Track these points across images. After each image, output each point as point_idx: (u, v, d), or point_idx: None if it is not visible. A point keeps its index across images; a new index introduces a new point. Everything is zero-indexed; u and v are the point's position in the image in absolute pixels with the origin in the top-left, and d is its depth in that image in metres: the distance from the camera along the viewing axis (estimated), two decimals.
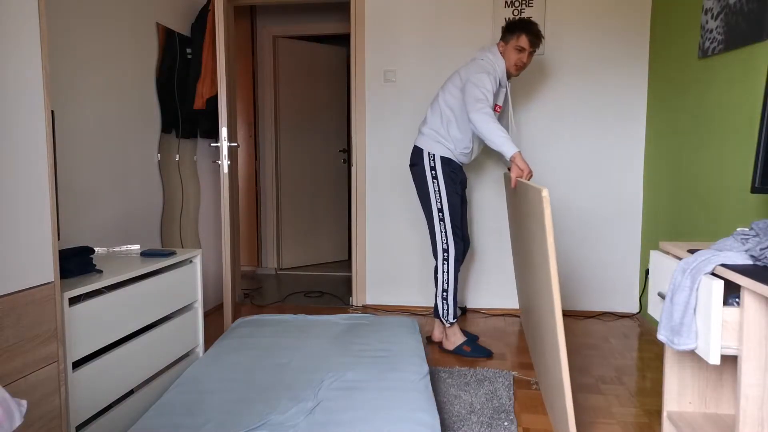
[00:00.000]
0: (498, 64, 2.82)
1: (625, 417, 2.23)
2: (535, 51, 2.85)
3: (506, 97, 2.98)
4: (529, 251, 2.29)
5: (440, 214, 2.86)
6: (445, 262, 2.89)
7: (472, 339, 3.04)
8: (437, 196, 2.86)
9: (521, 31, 2.78)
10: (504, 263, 3.71)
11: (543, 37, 2.85)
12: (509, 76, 2.90)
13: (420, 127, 2.98)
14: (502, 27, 2.89)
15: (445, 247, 2.88)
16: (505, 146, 2.57)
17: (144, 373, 2.18)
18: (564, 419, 1.77)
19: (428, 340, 3.11)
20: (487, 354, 2.89)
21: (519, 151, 2.55)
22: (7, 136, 1.51)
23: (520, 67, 2.85)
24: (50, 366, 1.65)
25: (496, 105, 2.86)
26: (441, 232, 2.87)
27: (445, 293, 2.90)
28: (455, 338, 2.94)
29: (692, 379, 1.79)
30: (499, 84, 2.84)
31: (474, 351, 2.89)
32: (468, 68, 2.81)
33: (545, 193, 1.68)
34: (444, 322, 2.93)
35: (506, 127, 3.09)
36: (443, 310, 2.91)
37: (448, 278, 2.89)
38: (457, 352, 2.92)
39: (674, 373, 1.79)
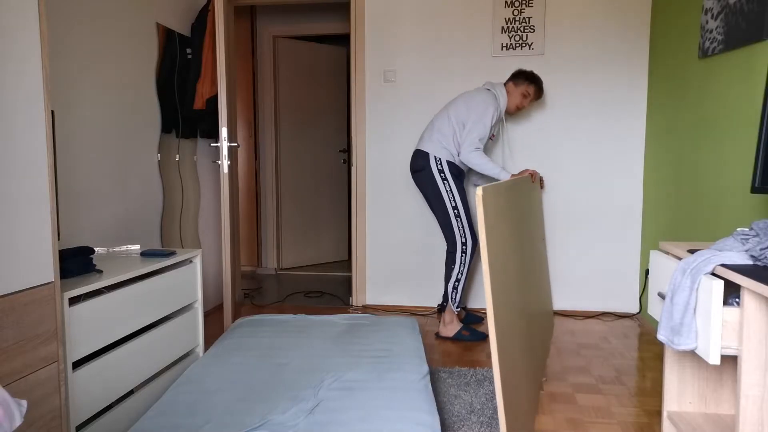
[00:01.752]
0: (502, 100, 3.17)
1: (625, 417, 2.23)
2: (533, 101, 3.28)
3: (501, 128, 3.41)
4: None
5: (456, 211, 3.08)
6: (463, 255, 3.11)
7: (477, 320, 3.45)
8: (450, 195, 3.08)
9: (534, 83, 3.21)
10: None
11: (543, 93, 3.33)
12: (507, 112, 3.28)
13: (425, 133, 3.20)
14: (514, 72, 3.26)
15: (464, 240, 3.10)
16: (501, 175, 3.00)
17: (144, 373, 2.18)
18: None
19: (436, 336, 3.25)
20: (483, 337, 3.14)
21: (510, 174, 3.00)
22: (7, 136, 1.51)
23: (519, 109, 3.26)
24: (50, 366, 1.65)
25: (491, 134, 3.21)
26: (459, 227, 3.10)
27: (457, 282, 3.12)
28: (453, 326, 3.15)
29: (692, 379, 1.79)
30: (500, 116, 3.20)
31: (472, 335, 3.13)
32: (483, 97, 3.12)
33: (479, 191, 1.69)
34: (452, 306, 3.13)
35: (499, 150, 3.44)
36: (452, 297, 3.12)
37: (463, 269, 3.12)
38: (457, 337, 3.14)
39: (674, 373, 1.79)
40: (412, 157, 3.20)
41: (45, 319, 1.63)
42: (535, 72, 3.40)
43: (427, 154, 3.10)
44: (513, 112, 3.28)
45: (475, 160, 3.02)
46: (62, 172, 2.43)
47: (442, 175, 3.08)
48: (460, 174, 3.16)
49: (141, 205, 3.04)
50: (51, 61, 2.37)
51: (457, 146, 3.09)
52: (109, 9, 2.76)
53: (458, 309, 3.14)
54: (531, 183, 3.14)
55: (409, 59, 3.69)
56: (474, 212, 3.50)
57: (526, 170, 3.16)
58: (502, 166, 3.03)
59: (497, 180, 3.05)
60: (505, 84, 3.23)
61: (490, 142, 3.27)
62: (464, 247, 3.10)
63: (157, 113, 3.22)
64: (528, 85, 3.19)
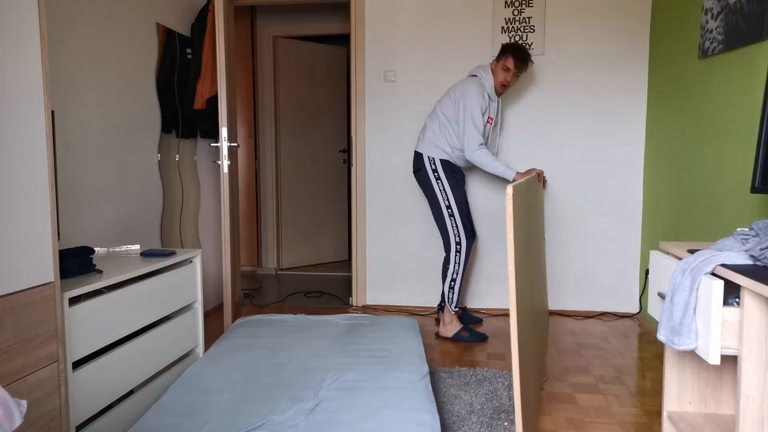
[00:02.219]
0: (487, 81, 3.10)
1: (625, 417, 2.23)
2: (520, 73, 3.12)
3: (498, 110, 3.23)
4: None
5: (449, 210, 3.09)
6: (457, 254, 3.12)
7: (476, 320, 3.46)
8: (444, 194, 3.09)
9: (510, 53, 3.06)
10: (504, 264, 3.71)
11: (532, 63, 3.15)
12: (496, 92, 3.16)
13: (420, 133, 3.23)
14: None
15: (457, 240, 3.11)
16: (506, 173, 2.99)
17: (144, 373, 2.18)
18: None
19: (436, 336, 3.25)
20: (483, 338, 3.14)
21: (517, 172, 2.99)
22: (7, 136, 1.51)
23: (505, 86, 3.13)
24: (50, 366, 1.65)
25: (489, 117, 3.14)
26: (453, 227, 3.10)
27: (453, 282, 3.13)
28: (452, 326, 3.15)
29: (692, 379, 1.79)
30: (490, 98, 3.12)
31: (472, 336, 3.13)
32: (463, 86, 3.09)
33: (509, 190, 1.69)
34: (450, 307, 3.13)
35: (494, 138, 3.36)
36: (449, 297, 3.13)
37: (458, 268, 3.12)
38: (457, 337, 3.13)
39: (674, 373, 1.79)
40: (413, 158, 3.23)
41: (45, 319, 1.63)
42: (529, 56, 3.12)
43: (421, 155, 3.14)
44: (501, 90, 3.15)
45: (479, 158, 3.01)
46: (62, 172, 2.43)
47: (435, 174, 3.10)
48: (457, 172, 3.16)
49: (141, 205, 3.04)
50: (51, 61, 2.37)
51: (452, 142, 3.08)
52: (109, 9, 2.76)
53: (456, 309, 3.15)
54: (537, 182, 3.13)
55: (409, 59, 3.69)
56: (469, 211, 3.46)
57: (533, 169, 3.10)
58: (506, 164, 3.01)
59: (504, 178, 3.04)
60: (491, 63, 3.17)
61: (489, 127, 3.18)
62: (458, 246, 3.11)
63: (157, 113, 3.22)
64: (506, 58, 3.06)
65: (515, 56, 3.05)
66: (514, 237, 1.69)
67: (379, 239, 3.83)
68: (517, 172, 3.00)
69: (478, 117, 3.01)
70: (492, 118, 3.17)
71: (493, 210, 3.69)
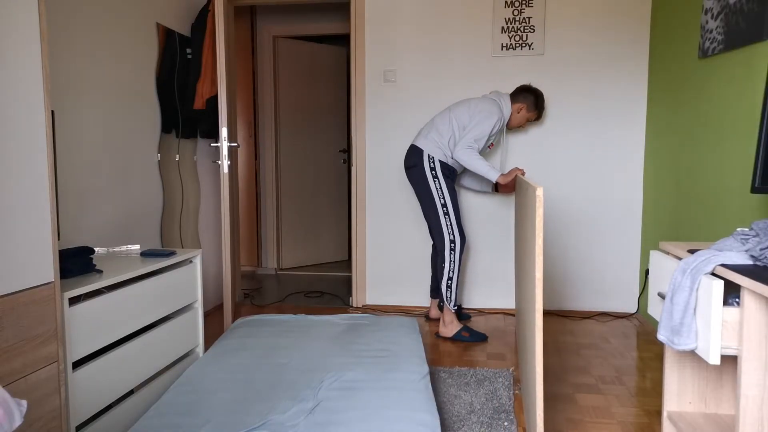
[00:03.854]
0: (506, 112, 3.20)
1: (625, 417, 2.23)
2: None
3: (501, 138, 3.44)
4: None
5: (444, 209, 3.10)
6: (452, 252, 3.11)
7: (465, 317, 3.53)
8: (440, 192, 3.10)
9: (540, 110, 3.28)
10: (504, 263, 3.71)
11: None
12: (508, 126, 3.32)
13: (423, 130, 3.20)
14: (522, 88, 3.26)
15: (452, 238, 3.11)
16: (490, 174, 2.98)
17: (144, 373, 2.19)
18: (534, 424, 1.75)
19: (426, 318, 3.42)
20: (483, 338, 3.15)
21: (500, 174, 2.98)
22: (7, 136, 1.51)
23: (519, 127, 3.34)
24: (50, 366, 1.65)
25: (491, 143, 3.26)
26: (447, 225, 3.11)
27: (450, 281, 3.12)
28: (453, 326, 3.16)
29: (692, 379, 1.79)
30: (500, 127, 3.21)
31: (472, 336, 3.14)
32: (486, 105, 3.12)
33: (539, 192, 1.68)
34: (449, 306, 3.14)
35: (498, 158, 3.49)
36: (447, 296, 3.13)
37: (454, 267, 3.12)
38: (457, 337, 3.14)
39: (674, 373, 1.79)
40: (407, 152, 3.20)
41: (45, 319, 1.63)
42: (540, 89, 3.46)
43: (421, 151, 3.12)
44: (512, 129, 3.38)
45: (466, 157, 3.01)
46: (62, 172, 2.43)
47: (433, 173, 3.09)
48: (452, 174, 3.17)
49: (141, 205, 3.04)
50: (51, 61, 2.37)
51: (453, 148, 3.09)
52: (108, 9, 2.76)
53: (455, 308, 3.15)
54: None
55: (409, 59, 3.69)
56: (463, 212, 3.59)
57: (516, 169, 3.07)
58: (491, 165, 3.01)
59: (487, 178, 3.05)
60: (511, 96, 3.22)
61: (488, 150, 3.27)
62: (452, 244, 3.10)
63: (157, 113, 3.22)
64: (536, 113, 3.27)
65: (540, 114, 3.31)
66: (539, 240, 1.67)
67: (379, 239, 3.83)
68: (501, 174, 2.98)
69: (485, 133, 3.05)
70: (492, 145, 3.30)
71: (492, 210, 3.69)
